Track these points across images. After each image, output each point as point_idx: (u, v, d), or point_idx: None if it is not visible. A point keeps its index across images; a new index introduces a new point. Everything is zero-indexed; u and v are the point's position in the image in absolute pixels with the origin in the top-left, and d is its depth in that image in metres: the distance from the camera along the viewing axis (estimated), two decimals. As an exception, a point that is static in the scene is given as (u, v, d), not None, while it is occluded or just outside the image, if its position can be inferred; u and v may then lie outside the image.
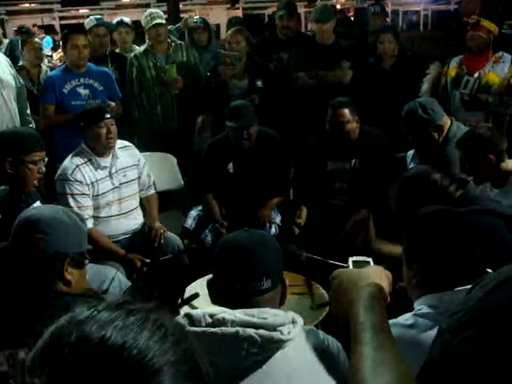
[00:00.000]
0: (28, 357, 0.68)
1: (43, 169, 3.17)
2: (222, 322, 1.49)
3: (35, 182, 3.15)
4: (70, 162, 3.65)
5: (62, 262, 2.05)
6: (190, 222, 4.16)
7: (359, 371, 0.99)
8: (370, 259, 1.42)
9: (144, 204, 4.07)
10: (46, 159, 3.22)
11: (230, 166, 4.20)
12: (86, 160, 3.67)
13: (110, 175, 3.75)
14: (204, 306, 1.73)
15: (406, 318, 1.83)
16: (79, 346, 0.67)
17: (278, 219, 4.24)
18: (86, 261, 2.18)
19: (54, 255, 2.03)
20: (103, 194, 3.72)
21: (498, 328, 0.70)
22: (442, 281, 1.81)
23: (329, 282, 1.36)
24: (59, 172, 3.67)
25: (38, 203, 3.21)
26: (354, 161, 4.06)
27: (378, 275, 1.26)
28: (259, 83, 4.84)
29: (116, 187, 3.78)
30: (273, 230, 4.07)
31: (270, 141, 4.19)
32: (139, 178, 3.94)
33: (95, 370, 0.64)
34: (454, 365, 0.74)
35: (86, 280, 2.24)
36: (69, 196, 3.58)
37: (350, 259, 1.43)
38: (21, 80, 4.87)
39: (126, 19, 5.87)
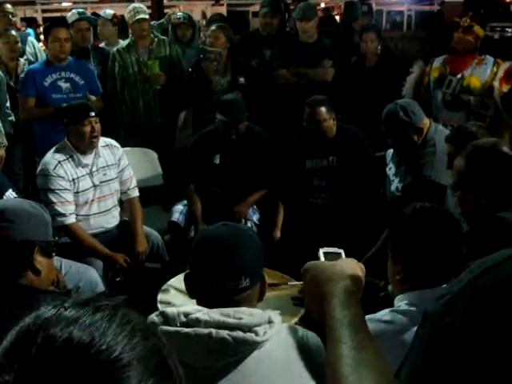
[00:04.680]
0: None
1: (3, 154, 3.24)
2: (196, 322, 1.47)
3: None
4: (51, 158, 3.60)
5: (31, 251, 2.05)
6: (177, 216, 4.17)
7: (339, 372, 0.95)
8: (341, 251, 1.35)
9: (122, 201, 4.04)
10: (6, 144, 3.25)
11: (217, 157, 4.21)
12: (67, 156, 3.63)
13: (91, 173, 3.71)
14: (183, 301, 1.70)
15: (383, 314, 1.85)
16: (46, 346, 0.66)
17: (255, 217, 4.25)
18: (53, 254, 2.19)
19: (22, 243, 2.03)
20: (83, 191, 3.68)
21: (488, 310, 0.69)
22: (425, 279, 1.83)
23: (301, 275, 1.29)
24: (41, 167, 3.62)
25: (10, 191, 3.21)
26: (331, 158, 4.06)
27: (352, 268, 1.20)
28: (241, 80, 4.83)
29: (96, 185, 3.74)
30: (248, 226, 4.06)
31: (258, 137, 4.22)
32: (120, 178, 3.90)
33: (64, 368, 0.64)
34: (443, 348, 0.72)
35: (54, 271, 2.26)
36: (51, 191, 3.55)
37: (321, 250, 1.35)
38: (0, 73, 4.82)
39: (108, 11, 5.85)
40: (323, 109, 3.92)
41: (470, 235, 2.02)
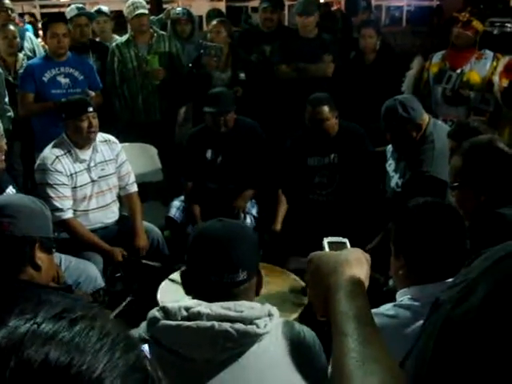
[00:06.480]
0: None
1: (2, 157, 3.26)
2: (198, 316, 1.48)
3: None
4: (49, 153, 3.60)
5: (32, 246, 2.05)
6: (173, 212, 4.18)
7: (345, 367, 0.93)
8: (346, 240, 1.30)
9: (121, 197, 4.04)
10: (4, 140, 3.26)
11: (209, 152, 4.22)
12: (65, 151, 3.63)
13: (89, 168, 3.71)
14: (183, 298, 1.70)
15: (387, 309, 1.85)
16: (21, 369, 0.60)
17: (254, 210, 4.26)
18: (53, 249, 2.19)
19: (22, 239, 2.04)
20: (81, 186, 3.68)
21: (505, 299, 0.68)
22: (428, 274, 1.83)
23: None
24: (39, 162, 3.62)
25: (10, 188, 3.21)
26: (332, 155, 4.05)
27: (357, 258, 1.16)
28: (242, 75, 4.83)
29: (94, 181, 3.74)
30: (248, 221, 4.09)
31: (249, 130, 4.22)
32: (118, 173, 3.89)
33: None
34: (457, 335, 0.71)
35: (54, 266, 2.26)
36: (48, 186, 3.54)
37: (326, 240, 1.31)
38: (-1, 69, 4.82)
39: (104, 8, 5.85)
40: (326, 107, 3.89)
41: (470, 232, 2.02)
